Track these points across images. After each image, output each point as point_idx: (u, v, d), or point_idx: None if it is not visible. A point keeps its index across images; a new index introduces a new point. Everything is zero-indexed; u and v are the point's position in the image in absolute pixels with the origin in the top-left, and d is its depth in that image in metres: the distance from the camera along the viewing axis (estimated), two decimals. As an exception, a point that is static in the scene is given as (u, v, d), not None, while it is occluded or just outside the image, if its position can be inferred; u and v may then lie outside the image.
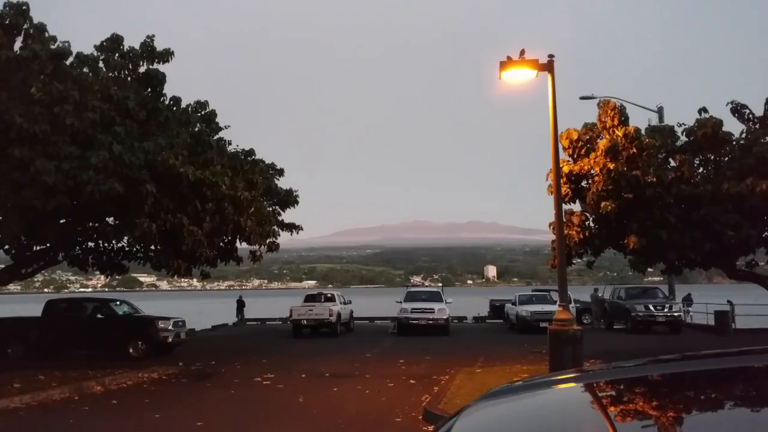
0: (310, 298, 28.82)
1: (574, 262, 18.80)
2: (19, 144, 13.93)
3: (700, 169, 17.57)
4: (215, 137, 19.01)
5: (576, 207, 18.38)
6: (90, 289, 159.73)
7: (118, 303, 20.86)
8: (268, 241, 20.28)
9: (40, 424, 10.53)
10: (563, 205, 15.67)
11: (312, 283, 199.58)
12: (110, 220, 17.36)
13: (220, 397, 12.57)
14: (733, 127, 18.06)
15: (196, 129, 18.49)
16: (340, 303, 28.66)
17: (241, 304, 37.45)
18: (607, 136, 16.70)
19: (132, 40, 17.78)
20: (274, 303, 39.54)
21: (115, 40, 17.55)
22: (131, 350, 18.80)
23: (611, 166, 15.96)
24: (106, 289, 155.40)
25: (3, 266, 19.25)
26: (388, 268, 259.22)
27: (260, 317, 38.44)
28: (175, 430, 9.88)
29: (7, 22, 14.80)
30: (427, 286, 79.59)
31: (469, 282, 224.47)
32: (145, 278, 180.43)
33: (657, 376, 1.93)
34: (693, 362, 2.05)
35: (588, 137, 17.26)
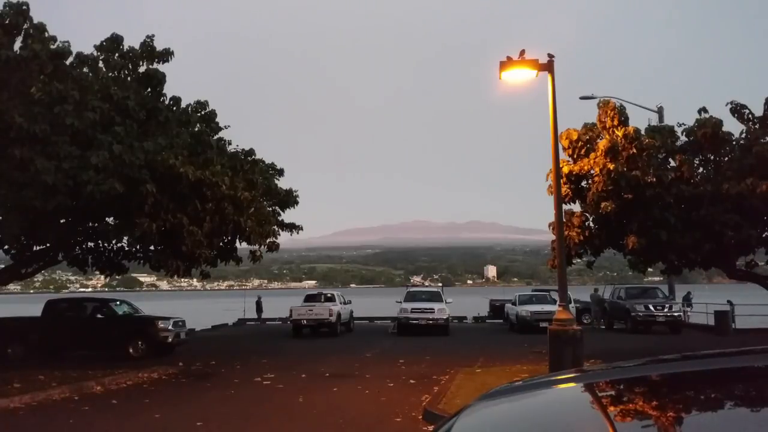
0: (310, 298, 28.84)
1: (574, 262, 18.78)
2: (19, 144, 13.92)
3: (700, 169, 17.54)
4: (215, 137, 18.99)
5: (576, 207, 18.36)
6: (90, 289, 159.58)
7: (118, 303, 20.86)
8: (268, 241, 20.28)
9: (40, 424, 10.53)
10: (563, 205, 15.66)
11: (312, 283, 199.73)
12: (110, 220, 17.35)
13: (220, 397, 12.57)
14: (733, 127, 18.05)
15: (196, 129, 18.47)
16: (340, 303, 28.67)
17: (259, 305, 37.70)
18: (607, 137, 16.69)
19: (132, 40, 17.81)
20: (274, 303, 39.51)
21: (115, 40, 17.54)
22: (131, 350, 18.80)
23: (611, 166, 15.94)
24: (106, 289, 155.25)
25: (3, 266, 19.23)
26: (388, 268, 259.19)
27: (262, 317, 38.43)
28: (175, 430, 9.87)
29: (7, 22, 14.79)
30: (427, 286, 79.48)
31: (469, 282, 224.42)
32: (145, 278, 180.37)
33: (657, 376, 1.93)
34: (693, 362, 2.05)
35: (588, 137, 17.23)
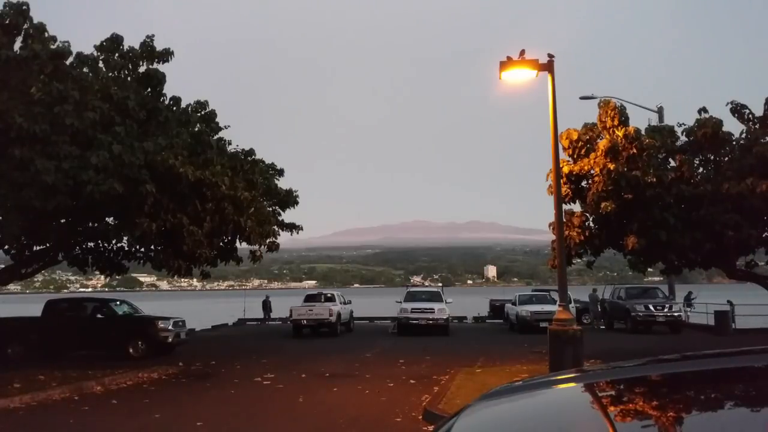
0: (310, 298, 28.84)
1: (574, 262, 18.77)
2: (19, 144, 13.92)
3: (700, 169, 17.54)
4: (215, 137, 19.00)
5: (576, 207, 18.36)
6: (90, 289, 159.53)
7: (118, 303, 20.86)
8: (268, 241, 20.28)
9: (40, 424, 10.53)
10: (563, 205, 15.66)
11: (312, 283, 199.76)
12: (110, 220, 17.35)
13: (220, 397, 12.57)
14: (733, 127, 18.06)
15: (196, 129, 18.47)
16: (340, 303, 28.67)
17: (266, 305, 37.88)
18: (607, 137, 16.69)
19: (132, 40, 17.81)
20: (274, 303, 39.48)
21: (115, 40, 17.54)
22: (131, 350, 18.80)
23: (611, 166, 15.94)
24: (106, 289, 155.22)
25: (3, 266, 19.23)
26: (388, 268, 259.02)
27: (260, 317, 38.46)
28: (175, 430, 9.88)
29: (7, 22, 14.79)
30: (427, 286, 79.48)
31: (469, 282, 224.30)
32: (145, 278, 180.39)
33: (657, 376, 1.93)
34: (693, 362, 2.05)
35: (588, 137, 17.23)
